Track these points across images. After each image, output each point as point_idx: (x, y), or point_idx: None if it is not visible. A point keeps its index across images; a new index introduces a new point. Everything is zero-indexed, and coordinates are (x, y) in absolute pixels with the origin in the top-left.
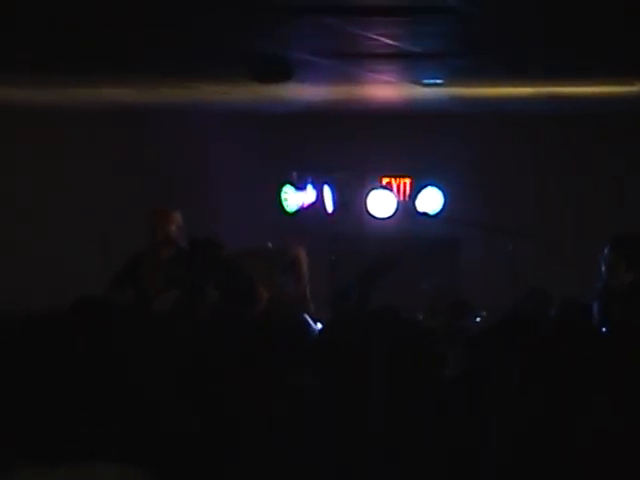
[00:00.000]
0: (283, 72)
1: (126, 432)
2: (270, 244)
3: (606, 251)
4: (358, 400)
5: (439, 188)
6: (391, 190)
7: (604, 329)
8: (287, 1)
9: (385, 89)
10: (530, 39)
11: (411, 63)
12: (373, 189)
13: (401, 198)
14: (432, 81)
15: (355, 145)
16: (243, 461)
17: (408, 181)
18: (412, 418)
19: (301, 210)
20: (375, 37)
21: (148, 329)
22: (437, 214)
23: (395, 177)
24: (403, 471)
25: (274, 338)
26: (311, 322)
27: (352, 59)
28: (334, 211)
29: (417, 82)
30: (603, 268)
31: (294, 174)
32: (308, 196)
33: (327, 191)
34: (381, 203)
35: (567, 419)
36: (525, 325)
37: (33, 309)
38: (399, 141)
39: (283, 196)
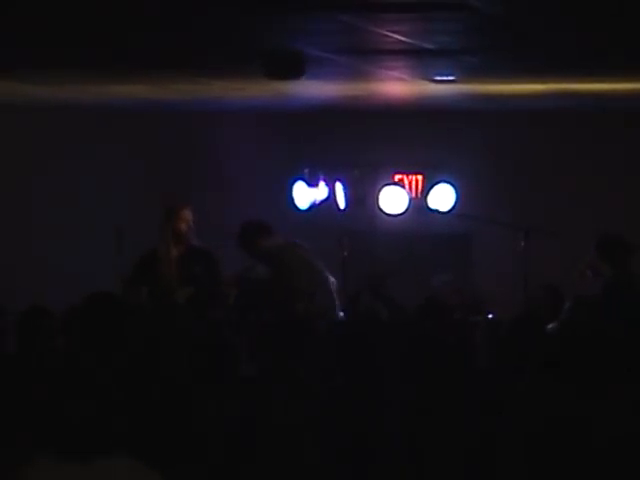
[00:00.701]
0: (296, 68)
1: (139, 429)
2: None
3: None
4: (375, 397)
5: (451, 184)
6: (403, 187)
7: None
8: None
9: (397, 85)
10: (542, 36)
11: (423, 59)
12: (385, 185)
13: (413, 194)
14: (444, 77)
15: (367, 141)
16: (261, 460)
17: (420, 177)
18: (430, 414)
19: (313, 207)
20: (387, 33)
21: (163, 326)
22: (449, 210)
23: (407, 173)
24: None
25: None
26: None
27: (364, 55)
28: (346, 207)
29: (429, 78)
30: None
31: (306, 170)
32: (320, 193)
33: (339, 188)
34: (393, 200)
35: (581, 416)
36: (538, 324)
37: (50, 305)
38: (411, 137)
39: (295, 193)
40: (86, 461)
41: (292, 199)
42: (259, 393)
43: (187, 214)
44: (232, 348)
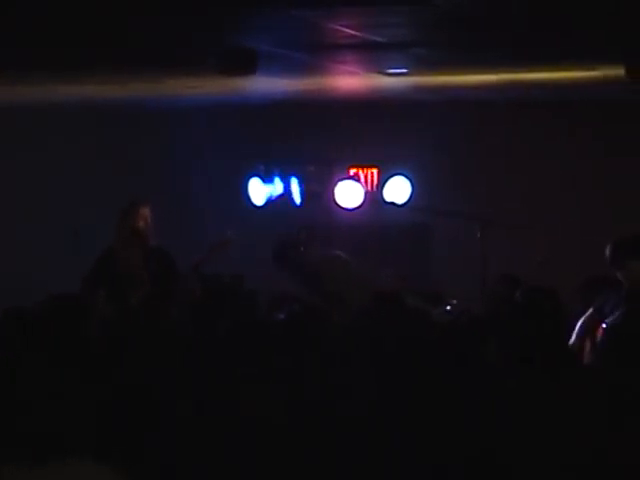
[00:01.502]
0: (249, 65)
1: (103, 430)
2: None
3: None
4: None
5: (406, 177)
6: (358, 180)
7: None
8: None
9: (350, 79)
10: (493, 27)
11: (376, 53)
12: (340, 180)
13: (369, 188)
14: (397, 70)
15: (322, 136)
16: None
17: (375, 171)
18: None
19: (269, 202)
20: (339, 28)
21: (122, 327)
22: (405, 203)
23: (362, 167)
24: (389, 460)
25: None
26: None
27: (317, 50)
28: (302, 203)
29: (382, 72)
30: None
31: (261, 167)
32: (276, 188)
33: (295, 183)
34: (349, 194)
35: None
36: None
37: (6, 307)
38: (365, 131)
39: (251, 189)
40: (47, 463)
41: (248, 195)
42: (230, 392)
43: (145, 212)
44: (197, 346)
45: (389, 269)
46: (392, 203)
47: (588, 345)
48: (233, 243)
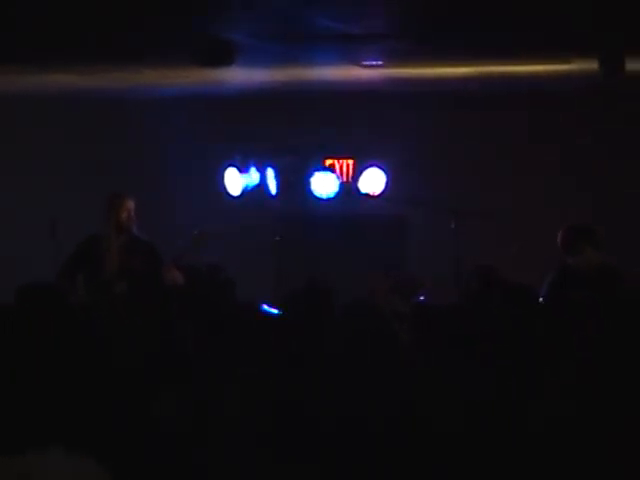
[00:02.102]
0: (226, 56)
1: (78, 420)
2: None
3: None
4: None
5: (381, 168)
6: (334, 171)
7: None
8: None
9: (326, 71)
10: (465, 21)
11: (351, 45)
12: (316, 170)
13: (344, 179)
14: (372, 62)
15: (298, 127)
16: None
17: (351, 162)
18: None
19: (245, 192)
20: (315, 19)
21: (103, 315)
22: (380, 194)
23: (338, 158)
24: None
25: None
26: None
27: (293, 42)
28: (278, 193)
29: (357, 63)
30: None
31: (238, 157)
32: (252, 178)
33: (270, 173)
34: (324, 184)
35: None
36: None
37: None
38: (341, 122)
39: (227, 179)
40: (19, 453)
41: (224, 185)
42: (207, 388)
43: (129, 204)
44: (179, 342)
45: (378, 269)
46: (367, 194)
47: None
48: (211, 235)
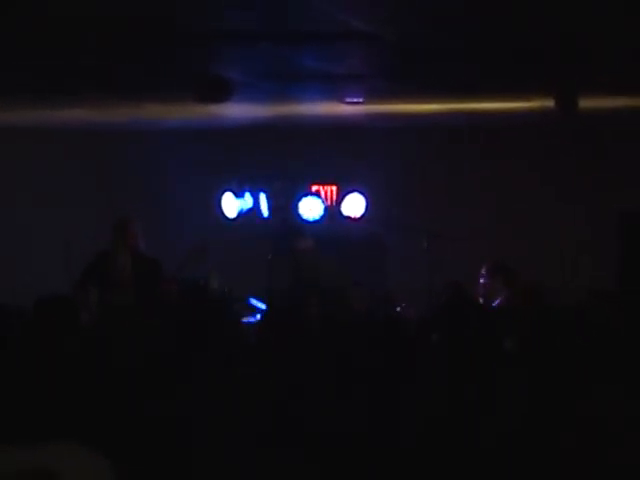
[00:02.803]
0: (223, 93)
1: (89, 416)
2: None
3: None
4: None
5: (362, 194)
6: (319, 196)
7: None
8: (226, 30)
9: (312, 107)
10: (440, 62)
11: (335, 84)
12: (303, 196)
13: (328, 203)
14: (354, 100)
15: (287, 156)
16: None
17: (334, 188)
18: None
19: (240, 215)
20: (303, 61)
21: (110, 323)
22: (360, 217)
23: (323, 184)
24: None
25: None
26: None
27: (284, 80)
28: (269, 215)
29: (341, 100)
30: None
31: (234, 183)
32: (246, 202)
33: (263, 198)
34: (311, 208)
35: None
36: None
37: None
38: (326, 152)
39: (224, 203)
40: (33, 444)
41: (221, 209)
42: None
43: (134, 227)
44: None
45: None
46: (349, 217)
47: None
48: (208, 251)
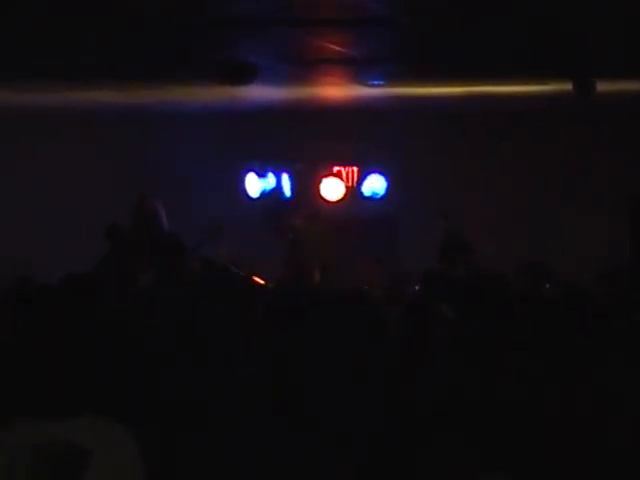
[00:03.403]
0: (247, 76)
1: (113, 391)
2: None
3: None
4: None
5: (382, 175)
6: (340, 177)
7: None
8: (250, 15)
9: (334, 90)
10: (459, 45)
11: (356, 67)
12: (325, 176)
13: (349, 184)
14: (375, 82)
15: (309, 138)
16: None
17: (355, 169)
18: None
19: (263, 195)
20: (325, 45)
21: (132, 301)
22: (380, 197)
23: (344, 165)
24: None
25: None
26: None
27: (306, 64)
28: (291, 196)
29: (362, 83)
30: None
31: (257, 164)
32: (269, 183)
33: (285, 178)
34: (332, 188)
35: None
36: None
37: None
38: (347, 134)
39: (247, 183)
40: (58, 419)
41: (244, 189)
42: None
43: (152, 203)
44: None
45: (367, 255)
46: (369, 197)
47: None
48: (224, 228)
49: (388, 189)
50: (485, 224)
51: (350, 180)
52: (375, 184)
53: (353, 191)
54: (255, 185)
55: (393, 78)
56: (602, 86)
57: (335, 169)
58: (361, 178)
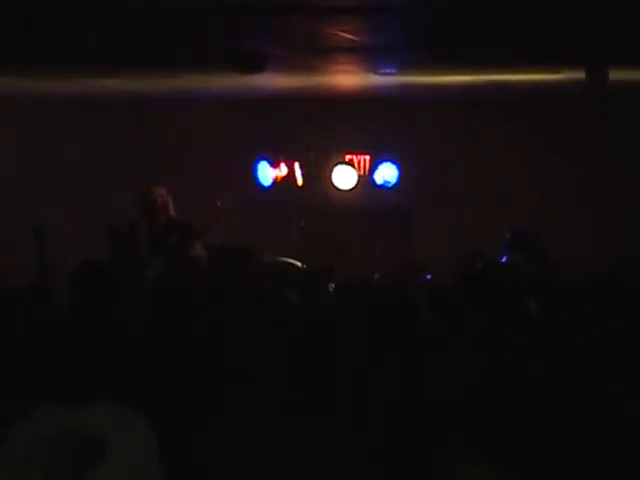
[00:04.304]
0: (258, 64)
1: (127, 378)
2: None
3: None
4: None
5: (394, 163)
6: (353, 165)
7: None
8: (263, 4)
9: (346, 78)
10: (469, 34)
11: (368, 55)
12: (337, 165)
13: (361, 172)
14: (387, 71)
15: (321, 127)
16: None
17: (367, 157)
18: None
19: (275, 183)
20: (337, 33)
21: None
22: (392, 186)
23: (356, 154)
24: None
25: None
26: None
27: (317, 52)
28: (303, 184)
29: (374, 72)
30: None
31: (269, 152)
32: (281, 171)
33: (297, 167)
34: (344, 177)
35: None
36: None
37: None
38: (359, 123)
39: (260, 171)
40: (76, 407)
41: (257, 177)
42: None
43: (159, 191)
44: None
45: (382, 242)
46: (381, 186)
47: None
48: (222, 213)
49: (400, 178)
50: (498, 213)
51: (362, 169)
52: (387, 173)
53: (365, 180)
54: (268, 173)
55: (405, 66)
56: (615, 75)
57: (347, 157)
58: (373, 167)
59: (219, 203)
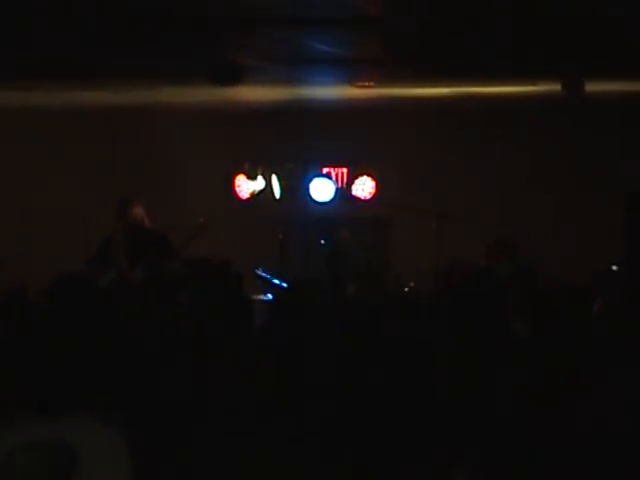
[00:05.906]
0: (234, 76)
1: (105, 391)
2: None
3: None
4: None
5: (371, 176)
6: (330, 178)
7: None
8: (238, 16)
9: (324, 90)
10: (446, 47)
11: (346, 67)
12: (315, 177)
13: (339, 185)
14: (364, 83)
15: (299, 139)
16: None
17: (345, 170)
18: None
19: (253, 196)
20: (314, 45)
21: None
22: (370, 199)
23: (334, 166)
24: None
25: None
26: None
27: (295, 64)
28: (281, 197)
29: (352, 84)
30: None
31: (246, 165)
32: (259, 184)
33: (275, 179)
34: (322, 189)
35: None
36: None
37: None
38: (337, 135)
39: (237, 184)
40: (50, 417)
41: (234, 190)
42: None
43: (132, 206)
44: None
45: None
46: (359, 198)
47: None
48: (207, 227)
49: (378, 190)
50: (481, 222)
51: (340, 181)
52: (365, 185)
53: (343, 192)
54: (245, 186)
55: (383, 79)
56: (591, 86)
57: (325, 170)
58: (351, 179)
59: (202, 220)
